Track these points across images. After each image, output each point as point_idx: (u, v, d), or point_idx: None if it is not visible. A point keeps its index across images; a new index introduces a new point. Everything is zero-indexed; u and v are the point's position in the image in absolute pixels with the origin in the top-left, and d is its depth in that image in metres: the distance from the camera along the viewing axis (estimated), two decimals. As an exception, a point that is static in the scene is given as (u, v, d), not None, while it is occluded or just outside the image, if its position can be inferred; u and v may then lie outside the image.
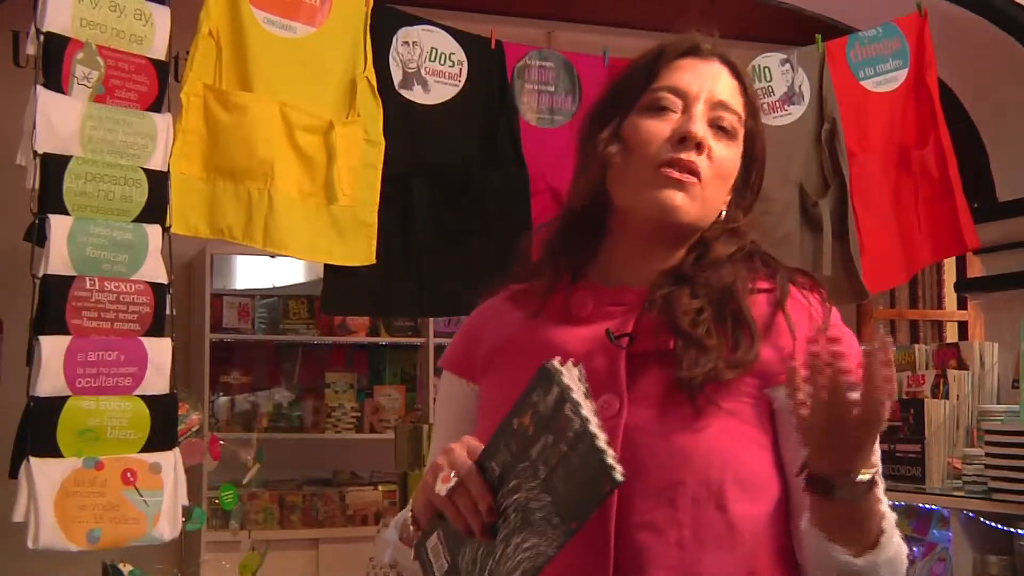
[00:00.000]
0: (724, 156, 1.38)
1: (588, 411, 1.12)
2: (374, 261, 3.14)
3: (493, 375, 1.42)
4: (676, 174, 1.34)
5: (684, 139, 1.35)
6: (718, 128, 1.38)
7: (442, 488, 1.20)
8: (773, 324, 1.34)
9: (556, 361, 1.15)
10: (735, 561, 1.26)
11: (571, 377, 1.14)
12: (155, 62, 2.73)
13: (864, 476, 1.18)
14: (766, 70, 3.65)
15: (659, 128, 1.36)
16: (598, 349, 1.33)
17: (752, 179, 1.44)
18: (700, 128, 1.36)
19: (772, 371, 1.31)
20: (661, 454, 1.26)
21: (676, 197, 1.34)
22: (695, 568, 1.25)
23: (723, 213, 1.42)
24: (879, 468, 1.21)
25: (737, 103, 1.41)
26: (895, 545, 1.24)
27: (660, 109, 1.38)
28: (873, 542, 1.22)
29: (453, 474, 1.20)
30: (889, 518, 1.24)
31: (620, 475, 1.10)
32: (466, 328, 1.51)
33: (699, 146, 1.35)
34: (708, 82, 1.40)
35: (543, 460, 1.14)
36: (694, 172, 1.35)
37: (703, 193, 1.36)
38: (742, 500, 1.26)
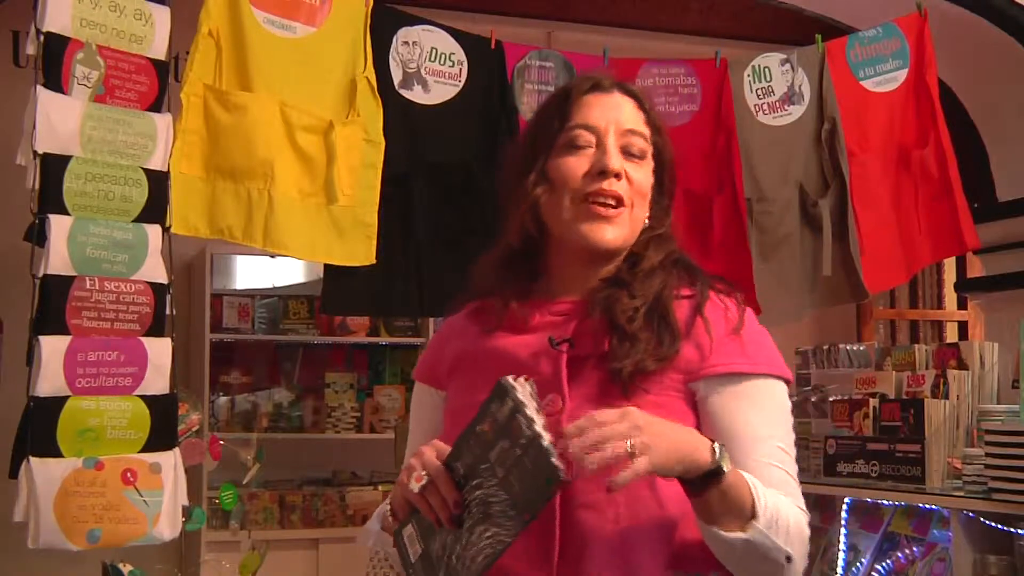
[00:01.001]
0: (639, 177, 1.57)
1: (537, 421, 1.30)
2: (374, 261, 3.14)
3: (456, 382, 1.63)
4: (602, 210, 1.54)
5: (603, 172, 1.54)
6: (629, 154, 1.57)
7: (415, 486, 1.39)
8: (694, 325, 1.53)
9: (510, 377, 1.34)
10: (663, 533, 1.46)
11: (523, 391, 1.33)
12: (155, 62, 2.73)
13: (706, 469, 1.36)
14: (766, 70, 3.65)
15: (578, 164, 1.55)
16: (543, 355, 1.52)
17: (665, 184, 1.63)
18: (615, 161, 1.54)
19: (693, 367, 1.51)
20: None
21: (605, 231, 1.54)
22: (629, 540, 1.45)
23: (647, 221, 1.61)
24: (717, 457, 1.37)
25: (642, 126, 1.59)
26: (771, 510, 1.42)
27: (576, 147, 1.56)
28: (749, 515, 1.41)
29: (424, 473, 1.39)
30: (761, 492, 1.42)
31: (564, 475, 1.29)
32: (433, 342, 1.74)
33: (617, 175, 1.54)
34: (613, 113, 1.58)
35: (500, 462, 1.33)
36: (617, 199, 1.54)
37: (629, 216, 1.56)
38: (670, 480, 1.40)
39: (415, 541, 1.44)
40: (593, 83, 1.61)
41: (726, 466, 1.37)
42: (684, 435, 1.39)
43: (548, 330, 1.54)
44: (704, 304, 1.54)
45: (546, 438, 1.29)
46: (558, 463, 1.28)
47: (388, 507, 1.53)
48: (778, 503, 1.45)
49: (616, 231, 1.55)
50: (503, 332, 1.58)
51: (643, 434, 1.31)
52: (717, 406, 1.51)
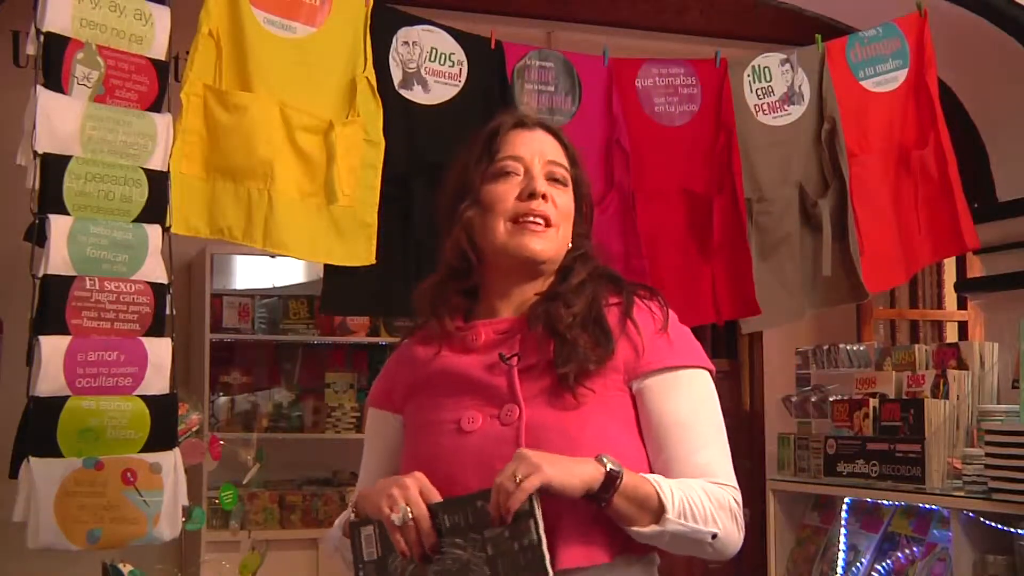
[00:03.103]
0: (563, 201, 1.76)
1: (543, 534, 1.49)
2: (374, 261, 3.14)
3: (412, 404, 1.76)
4: (532, 226, 1.72)
5: (532, 194, 1.72)
6: (553, 180, 1.76)
7: (396, 518, 1.53)
8: (625, 328, 1.70)
9: (535, 495, 1.49)
10: (601, 520, 1.59)
11: (538, 505, 1.50)
12: (155, 62, 2.73)
13: (594, 485, 1.54)
14: (766, 70, 3.65)
15: (507, 189, 1.74)
16: (495, 370, 1.68)
17: (584, 210, 1.81)
18: (542, 185, 1.73)
19: (631, 366, 1.68)
20: (557, 442, 1.59)
21: (536, 243, 1.72)
22: (583, 526, 1.59)
23: (570, 243, 1.78)
24: (607, 463, 1.55)
25: (562, 158, 1.78)
26: (679, 500, 1.59)
27: (505, 174, 1.75)
28: (659, 509, 1.58)
29: (408, 509, 1.53)
30: (665, 486, 1.59)
31: None
32: (386, 370, 1.87)
33: (544, 196, 1.72)
34: (537, 146, 1.77)
35: (493, 543, 1.50)
36: (545, 219, 1.72)
37: (556, 234, 1.74)
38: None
39: (373, 543, 1.58)
40: (517, 120, 1.81)
41: (618, 467, 1.56)
42: (573, 460, 1.56)
43: (494, 347, 1.70)
44: (631, 308, 1.71)
45: (546, 551, 1.49)
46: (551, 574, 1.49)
47: (352, 515, 1.65)
48: (687, 491, 1.61)
49: (546, 244, 1.72)
50: (451, 353, 1.73)
51: (529, 463, 1.50)
52: (654, 397, 1.68)
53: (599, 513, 1.58)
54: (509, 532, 1.50)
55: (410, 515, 1.53)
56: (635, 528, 1.59)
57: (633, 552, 1.64)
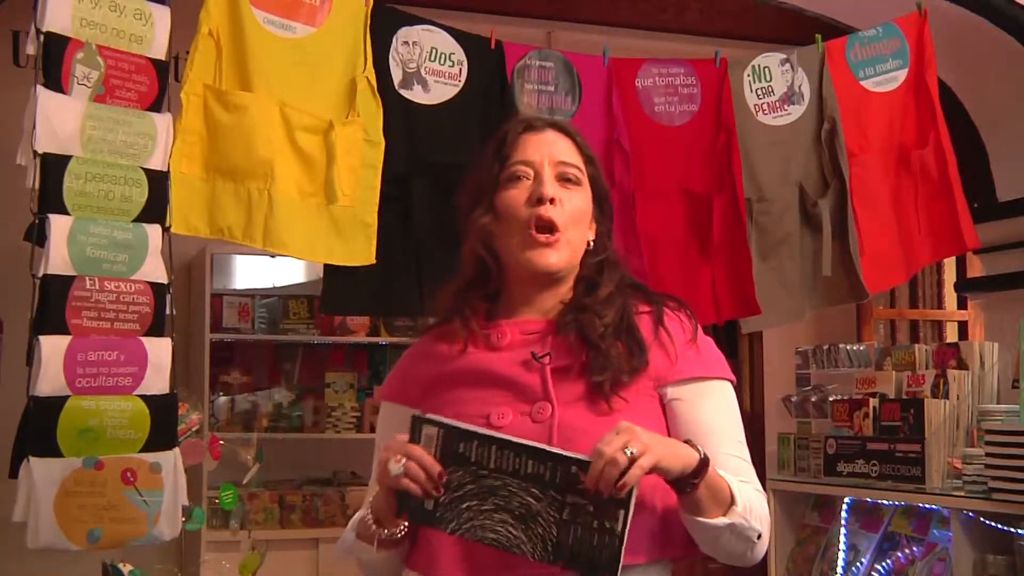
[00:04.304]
0: (574, 202, 1.75)
1: (629, 526, 1.47)
2: (374, 261, 3.14)
3: (433, 398, 1.74)
4: (541, 237, 1.71)
5: (539, 199, 1.71)
6: (565, 180, 1.75)
7: (393, 468, 1.53)
8: (658, 335, 1.72)
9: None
10: (650, 524, 1.63)
11: (635, 492, 1.47)
12: (155, 62, 2.73)
13: (689, 468, 1.56)
14: (766, 70, 3.65)
15: (518, 195, 1.74)
16: (527, 368, 1.69)
17: (605, 208, 1.82)
18: (550, 188, 1.72)
19: (662, 373, 1.71)
20: (588, 445, 1.53)
21: (548, 256, 1.72)
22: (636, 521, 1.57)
23: (591, 243, 1.79)
24: (700, 451, 1.58)
25: (574, 158, 1.78)
26: (744, 496, 1.63)
27: (516, 179, 1.75)
28: (729, 502, 1.62)
29: (399, 456, 1.53)
30: (734, 481, 1.63)
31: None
32: (401, 366, 1.86)
33: (552, 200, 1.71)
34: (546, 148, 1.77)
35: (573, 509, 1.48)
36: (551, 224, 1.71)
37: (566, 238, 1.73)
38: (650, 475, 1.56)
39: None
40: (526, 124, 1.80)
41: (706, 453, 1.58)
42: (671, 440, 1.61)
43: (522, 347, 1.71)
44: (663, 317, 1.75)
45: (624, 546, 1.47)
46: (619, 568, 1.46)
47: (369, 516, 1.65)
48: (748, 490, 1.66)
49: (557, 255, 1.72)
50: (477, 350, 1.73)
51: (639, 439, 1.49)
52: (685, 405, 1.71)
53: (647, 514, 1.60)
54: (594, 507, 1.47)
55: (402, 459, 1.53)
56: (703, 519, 1.60)
57: (664, 556, 1.66)
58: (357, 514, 1.74)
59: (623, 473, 1.47)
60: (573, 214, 1.74)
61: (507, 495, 1.50)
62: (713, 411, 1.72)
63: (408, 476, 1.53)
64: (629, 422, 1.53)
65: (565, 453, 1.50)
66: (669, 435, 1.68)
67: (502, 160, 1.78)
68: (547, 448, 1.52)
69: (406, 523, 1.63)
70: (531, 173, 1.75)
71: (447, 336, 1.77)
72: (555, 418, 1.64)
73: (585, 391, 1.67)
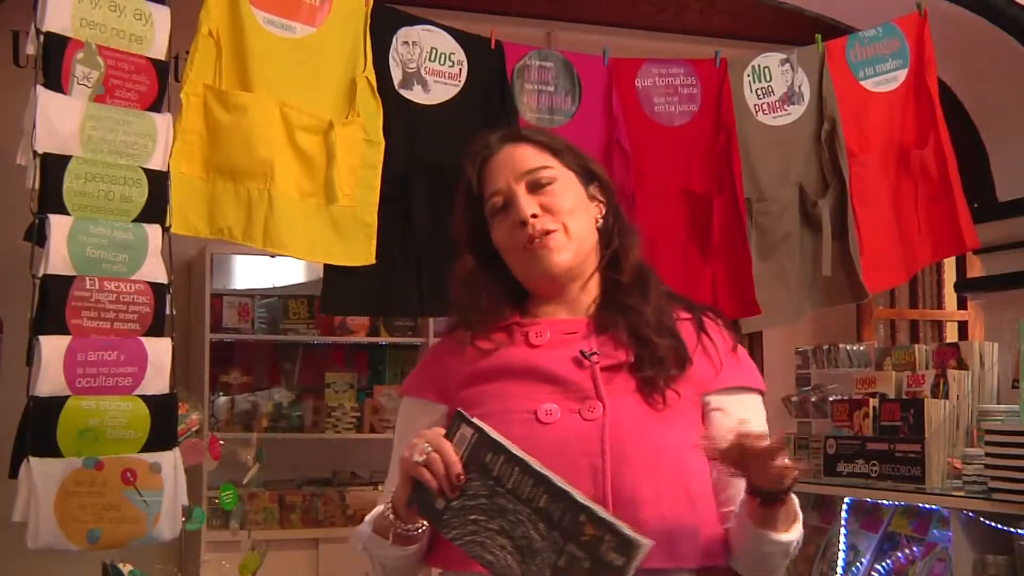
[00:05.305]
0: (560, 200, 1.72)
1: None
2: (374, 261, 3.14)
3: (469, 393, 1.69)
4: (540, 245, 1.70)
5: (521, 222, 1.70)
6: (539, 186, 1.73)
7: (417, 458, 1.49)
8: (701, 341, 1.73)
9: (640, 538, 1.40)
10: (695, 531, 1.62)
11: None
12: (155, 62, 2.73)
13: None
14: (766, 70, 3.65)
15: (505, 225, 1.73)
16: (575, 365, 1.66)
17: (595, 179, 1.79)
18: (527, 206, 1.70)
19: (705, 380, 1.70)
20: (639, 444, 1.59)
21: (553, 257, 1.70)
22: (670, 533, 1.59)
23: (599, 219, 1.77)
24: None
25: (538, 159, 1.75)
26: (800, 510, 1.64)
27: (499, 210, 1.74)
28: (794, 519, 1.62)
29: (426, 445, 1.49)
30: (793, 497, 1.61)
31: None
32: (429, 361, 1.83)
33: (534, 215, 1.70)
34: (508, 166, 1.75)
35: (570, 558, 1.40)
36: (545, 232, 1.70)
37: (565, 234, 1.71)
38: (697, 480, 1.62)
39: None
40: (484, 149, 1.79)
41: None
42: None
43: (564, 346, 1.69)
44: (704, 324, 1.75)
45: None
46: None
47: (389, 508, 1.60)
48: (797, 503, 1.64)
49: (561, 254, 1.71)
50: (515, 347, 1.71)
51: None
52: (729, 413, 1.70)
53: (690, 514, 1.61)
54: (591, 565, 1.40)
55: (429, 448, 1.49)
56: (774, 534, 1.59)
57: (712, 563, 1.65)
58: (376, 508, 1.69)
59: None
60: (564, 209, 1.72)
61: (514, 521, 1.45)
62: (754, 423, 1.68)
63: (428, 467, 1.49)
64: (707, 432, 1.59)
65: (581, 499, 1.43)
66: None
67: (480, 194, 1.76)
68: (566, 488, 1.44)
69: (424, 521, 1.59)
70: (504, 199, 1.74)
71: (480, 332, 1.73)
72: (607, 417, 1.62)
73: (635, 388, 1.66)
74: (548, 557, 1.42)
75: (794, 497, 1.61)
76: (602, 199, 1.79)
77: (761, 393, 1.78)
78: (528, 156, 1.76)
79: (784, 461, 1.50)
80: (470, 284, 1.77)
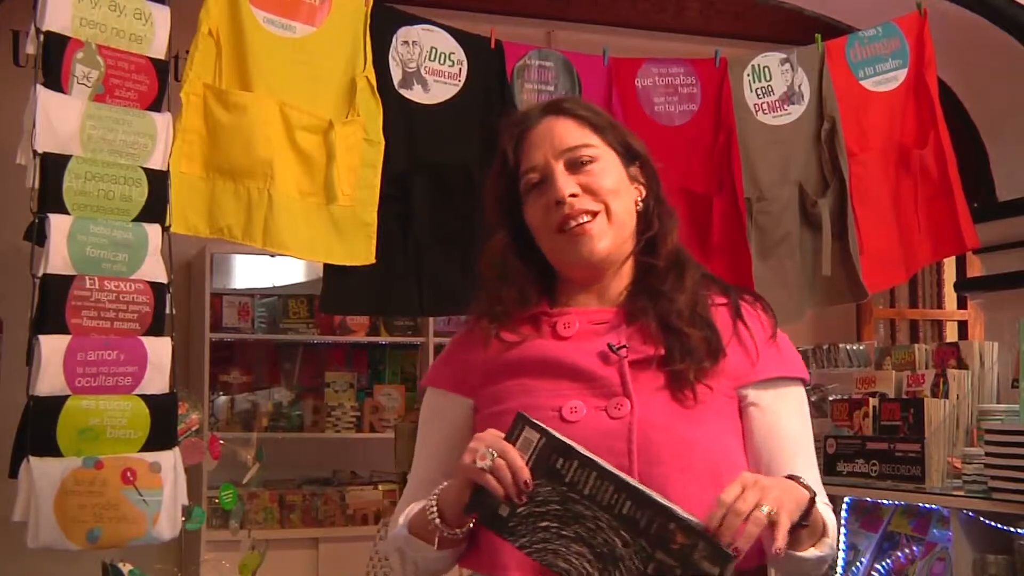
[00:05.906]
0: (601, 180, 1.62)
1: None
2: (374, 261, 3.14)
3: (493, 387, 1.62)
4: (578, 228, 1.60)
5: (558, 202, 1.60)
6: (578, 165, 1.63)
7: (483, 463, 1.41)
8: (736, 330, 1.62)
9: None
10: None
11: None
12: (155, 61, 2.73)
13: (803, 510, 1.45)
14: (766, 70, 3.65)
15: (540, 203, 1.63)
16: (603, 360, 1.57)
17: (639, 154, 1.68)
18: (566, 186, 1.60)
19: (741, 373, 1.60)
20: (669, 443, 1.51)
21: (594, 244, 1.61)
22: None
23: (639, 201, 1.67)
24: (811, 495, 1.47)
25: (581, 137, 1.64)
26: (831, 524, 1.53)
27: (534, 187, 1.64)
28: (821, 533, 1.51)
29: (490, 450, 1.41)
30: (823, 509, 1.53)
31: None
32: (451, 352, 1.73)
33: (573, 194, 1.60)
34: (547, 141, 1.64)
35: (659, 567, 1.35)
36: (584, 213, 1.60)
37: (607, 218, 1.62)
38: (729, 480, 1.45)
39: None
40: (522, 124, 1.68)
41: (811, 487, 1.48)
42: (789, 484, 1.47)
43: (592, 337, 1.60)
44: (741, 311, 1.64)
45: None
46: None
47: (433, 509, 1.52)
48: (830, 515, 1.55)
49: (598, 241, 1.62)
50: (542, 339, 1.63)
51: (769, 495, 1.38)
52: (767, 408, 1.61)
53: None
54: (682, 573, 1.34)
55: (493, 453, 1.41)
56: (798, 553, 1.49)
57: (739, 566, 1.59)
58: (409, 507, 1.62)
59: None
60: (604, 190, 1.62)
61: (593, 528, 1.38)
62: (795, 416, 1.63)
63: (495, 474, 1.41)
64: (750, 472, 1.44)
65: (670, 506, 1.37)
66: (744, 439, 1.60)
67: (514, 172, 1.67)
68: (652, 495, 1.38)
69: (472, 523, 1.51)
70: (542, 175, 1.64)
71: (503, 322, 1.65)
72: (635, 415, 1.53)
73: (664, 383, 1.56)
74: (634, 565, 1.37)
75: (824, 513, 1.52)
76: (642, 180, 1.69)
77: (804, 382, 1.67)
78: (569, 132, 1.65)
79: (735, 523, 1.36)
80: (499, 266, 1.69)
